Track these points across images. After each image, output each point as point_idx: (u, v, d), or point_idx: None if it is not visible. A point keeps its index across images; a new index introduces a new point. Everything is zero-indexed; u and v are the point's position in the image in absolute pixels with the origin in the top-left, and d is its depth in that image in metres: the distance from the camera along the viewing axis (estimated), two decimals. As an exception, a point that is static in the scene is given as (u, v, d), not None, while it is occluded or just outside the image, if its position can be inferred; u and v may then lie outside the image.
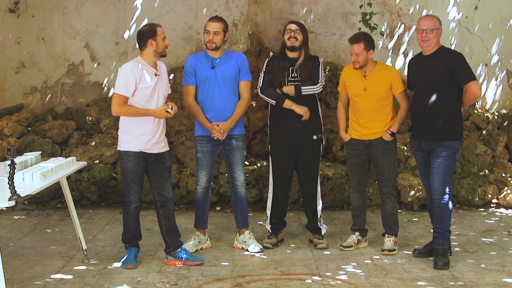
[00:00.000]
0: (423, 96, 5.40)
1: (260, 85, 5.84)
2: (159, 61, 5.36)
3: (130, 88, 5.12)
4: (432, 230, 5.50)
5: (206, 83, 5.68)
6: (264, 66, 5.90)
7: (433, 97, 5.31)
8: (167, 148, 5.43)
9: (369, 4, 8.17)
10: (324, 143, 6.02)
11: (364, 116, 5.67)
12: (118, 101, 5.14)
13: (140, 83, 5.13)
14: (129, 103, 5.18)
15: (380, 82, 5.61)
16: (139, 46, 5.25)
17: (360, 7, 8.20)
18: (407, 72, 5.67)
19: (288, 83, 5.79)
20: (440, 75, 5.29)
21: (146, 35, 5.20)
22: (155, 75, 5.21)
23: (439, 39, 5.39)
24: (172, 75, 8.39)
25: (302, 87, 5.74)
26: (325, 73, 5.92)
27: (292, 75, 5.78)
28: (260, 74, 5.90)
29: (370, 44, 5.62)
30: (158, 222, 5.42)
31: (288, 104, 5.74)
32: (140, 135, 5.20)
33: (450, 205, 5.38)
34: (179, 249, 5.37)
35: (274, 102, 5.79)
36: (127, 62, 5.30)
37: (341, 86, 5.91)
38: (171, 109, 5.22)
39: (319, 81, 5.80)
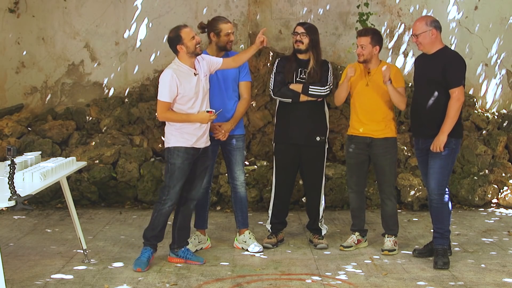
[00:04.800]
0: (419, 94, 5.43)
1: (272, 88, 5.82)
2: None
3: (172, 94, 5.11)
4: (432, 230, 5.50)
5: (207, 83, 5.69)
6: (275, 67, 5.88)
7: (428, 96, 5.32)
8: (209, 143, 5.40)
9: (366, 4, 8.17)
10: (327, 146, 6.00)
11: (365, 114, 5.67)
12: (161, 108, 5.15)
13: (181, 88, 5.10)
14: (174, 108, 5.16)
15: (382, 79, 5.61)
16: (173, 52, 5.23)
17: (358, 7, 8.20)
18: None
19: (296, 83, 5.79)
20: (435, 75, 5.28)
21: (172, 42, 5.17)
22: (194, 74, 5.18)
23: (435, 38, 5.32)
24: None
25: (310, 87, 5.73)
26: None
27: (301, 76, 5.78)
28: (271, 76, 5.88)
29: (377, 40, 5.63)
30: (174, 216, 5.42)
31: (304, 97, 5.75)
32: (190, 132, 5.18)
33: (449, 205, 5.38)
34: (183, 248, 5.40)
35: (290, 100, 5.77)
36: (167, 68, 5.20)
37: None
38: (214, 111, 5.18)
39: (328, 83, 5.79)
